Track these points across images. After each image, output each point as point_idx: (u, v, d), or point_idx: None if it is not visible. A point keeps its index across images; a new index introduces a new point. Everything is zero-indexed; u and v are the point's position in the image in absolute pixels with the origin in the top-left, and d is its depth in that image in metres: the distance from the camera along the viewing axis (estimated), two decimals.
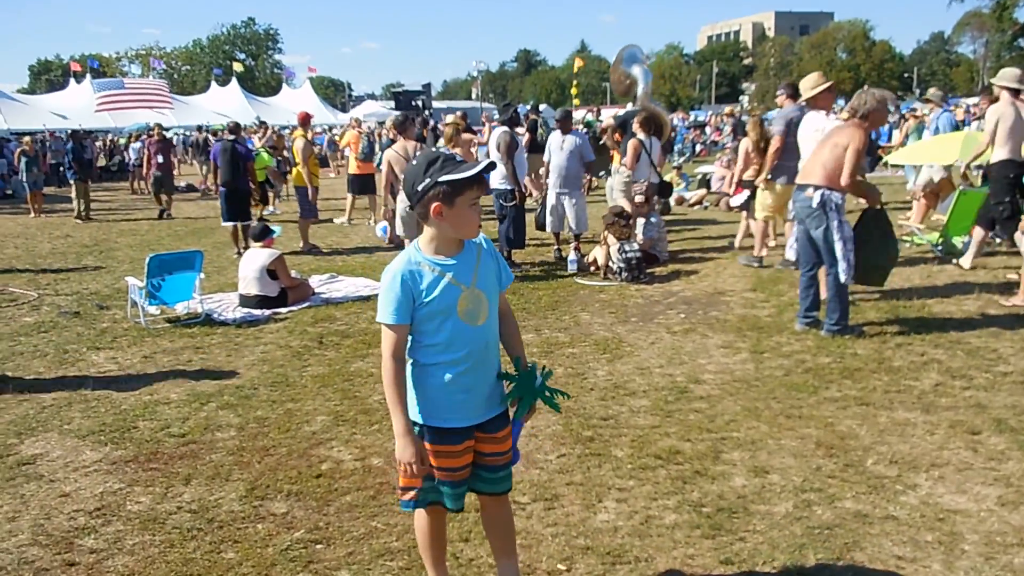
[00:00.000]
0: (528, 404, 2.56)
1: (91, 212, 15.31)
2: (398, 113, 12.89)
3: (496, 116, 13.63)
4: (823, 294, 5.79)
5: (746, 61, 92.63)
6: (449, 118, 11.39)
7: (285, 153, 14.72)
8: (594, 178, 14.55)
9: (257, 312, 7.13)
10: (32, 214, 15.96)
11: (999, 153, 7.32)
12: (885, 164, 15.87)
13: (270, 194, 14.66)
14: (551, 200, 9.02)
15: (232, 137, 10.57)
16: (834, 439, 4.01)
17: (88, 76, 38.46)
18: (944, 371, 4.94)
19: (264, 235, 7.72)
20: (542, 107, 26.04)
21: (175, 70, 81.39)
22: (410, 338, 2.41)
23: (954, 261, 7.93)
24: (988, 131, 7.38)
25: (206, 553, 3.16)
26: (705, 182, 14.91)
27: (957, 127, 11.49)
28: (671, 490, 3.53)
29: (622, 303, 7.14)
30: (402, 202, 8.11)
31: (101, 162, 26.64)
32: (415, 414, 2.44)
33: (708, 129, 29.91)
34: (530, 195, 9.29)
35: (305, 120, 11.68)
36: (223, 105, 38.71)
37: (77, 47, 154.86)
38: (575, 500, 3.47)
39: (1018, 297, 6.33)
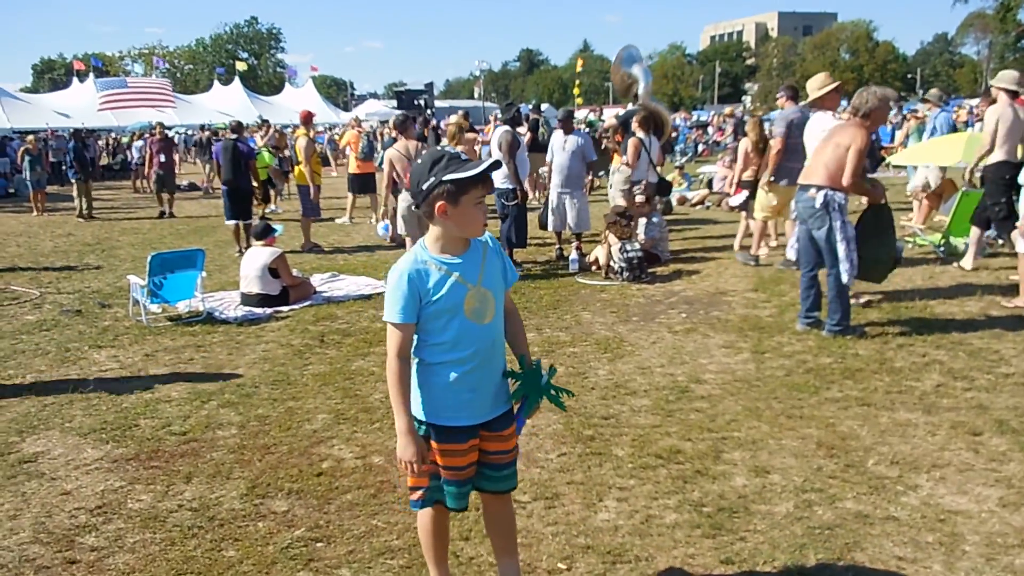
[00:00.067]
0: (534, 402, 2.56)
1: (93, 211, 15.33)
2: (399, 112, 12.89)
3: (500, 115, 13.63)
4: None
5: (749, 61, 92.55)
6: (452, 118, 11.40)
7: (286, 152, 14.73)
8: (595, 178, 14.56)
9: (258, 310, 7.14)
10: (35, 213, 15.98)
11: (996, 154, 7.37)
12: (887, 165, 15.85)
13: (272, 193, 14.68)
14: (553, 199, 9.03)
15: (234, 136, 10.60)
16: (835, 439, 4.00)
17: (91, 75, 38.47)
18: (946, 372, 4.94)
19: (266, 234, 7.73)
20: (544, 107, 26.05)
21: (178, 69, 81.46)
22: (416, 337, 2.41)
23: (956, 264, 7.91)
24: (988, 132, 7.39)
25: (207, 551, 3.16)
26: (708, 182, 14.91)
27: (955, 127, 11.51)
28: (672, 489, 3.53)
29: (623, 302, 7.14)
30: (403, 201, 8.12)
31: (104, 161, 26.69)
32: (420, 412, 2.44)
33: (711, 129, 29.90)
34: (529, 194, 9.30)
35: (307, 119, 11.70)
36: (226, 104, 38.73)
37: (81, 46, 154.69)
38: (576, 499, 3.47)
39: (1020, 298, 6.32)
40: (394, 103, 35.26)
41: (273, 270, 7.31)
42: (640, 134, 9.14)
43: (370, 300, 7.48)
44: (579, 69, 43.37)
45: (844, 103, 9.70)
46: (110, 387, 5.20)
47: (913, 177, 11.04)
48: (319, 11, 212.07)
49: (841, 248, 5.51)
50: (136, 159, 21.13)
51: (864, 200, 5.88)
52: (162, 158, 15.00)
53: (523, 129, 11.64)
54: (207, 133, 22.92)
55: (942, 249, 8.43)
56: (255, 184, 10.92)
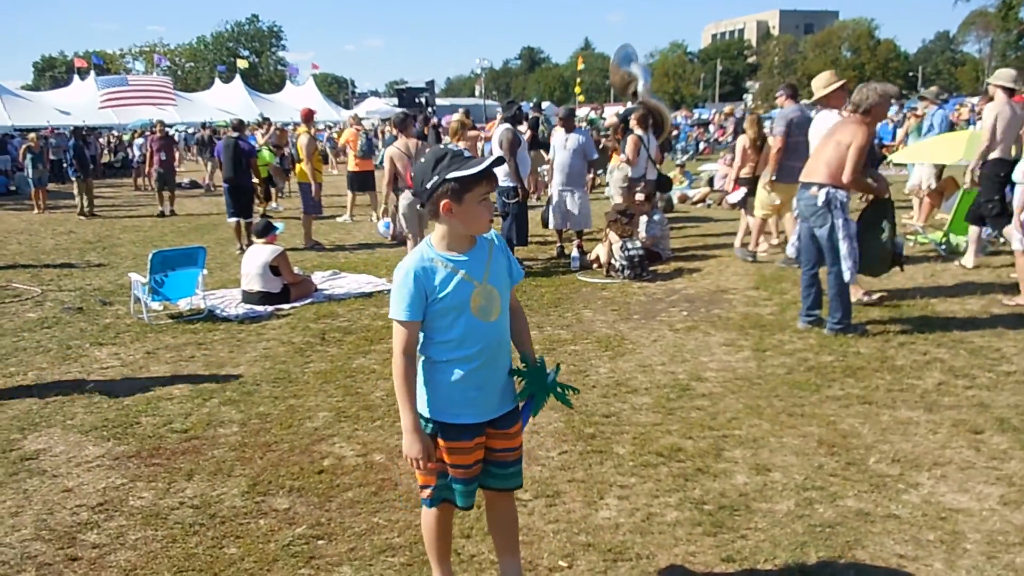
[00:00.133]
0: (541, 400, 2.55)
1: (95, 208, 15.34)
2: (399, 111, 12.89)
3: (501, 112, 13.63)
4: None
5: (750, 59, 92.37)
6: (454, 116, 11.40)
7: (287, 150, 14.72)
8: (596, 176, 14.55)
9: (260, 308, 7.14)
10: (36, 210, 15.99)
11: (992, 152, 7.36)
12: (889, 163, 15.84)
13: (273, 190, 14.68)
14: (554, 197, 9.03)
15: (235, 134, 10.60)
16: (836, 437, 4.00)
17: (92, 73, 38.49)
18: (947, 370, 4.93)
19: (267, 231, 7.73)
20: (545, 104, 26.02)
21: (179, 67, 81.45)
22: (421, 335, 2.40)
23: (957, 262, 7.91)
24: (987, 129, 7.39)
25: (208, 548, 3.16)
26: (709, 180, 14.90)
27: (952, 125, 11.52)
28: (673, 487, 3.53)
29: (624, 300, 7.14)
30: (404, 199, 8.11)
31: (106, 159, 26.69)
32: (426, 410, 2.43)
33: (712, 127, 29.88)
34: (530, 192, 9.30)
35: (308, 117, 11.70)
36: (227, 102, 38.77)
37: (82, 44, 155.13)
38: (577, 497, 3.48)
39: (1021, 296, 6.31)
40: (395, 101, 35.20)
41: (274, 268, 7.32)
42: (639, 131, 9.13)
43: (371, 298, 7.48)
44: (580, 67, 43.22)
45: None
46: (111, 385, 5.21)
47: (912, 175, 11.04)
48: (320, 9, 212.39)
49: (843, 246, 5.50)
50: (137, 157, 21.15)
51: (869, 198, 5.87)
52: (162, 156, 15.01)
53: (524, 127, 11.65)
54: (208, 131, 22.93)
55: (943, 247, 8.43)
56: (256, 182, 10.92)
